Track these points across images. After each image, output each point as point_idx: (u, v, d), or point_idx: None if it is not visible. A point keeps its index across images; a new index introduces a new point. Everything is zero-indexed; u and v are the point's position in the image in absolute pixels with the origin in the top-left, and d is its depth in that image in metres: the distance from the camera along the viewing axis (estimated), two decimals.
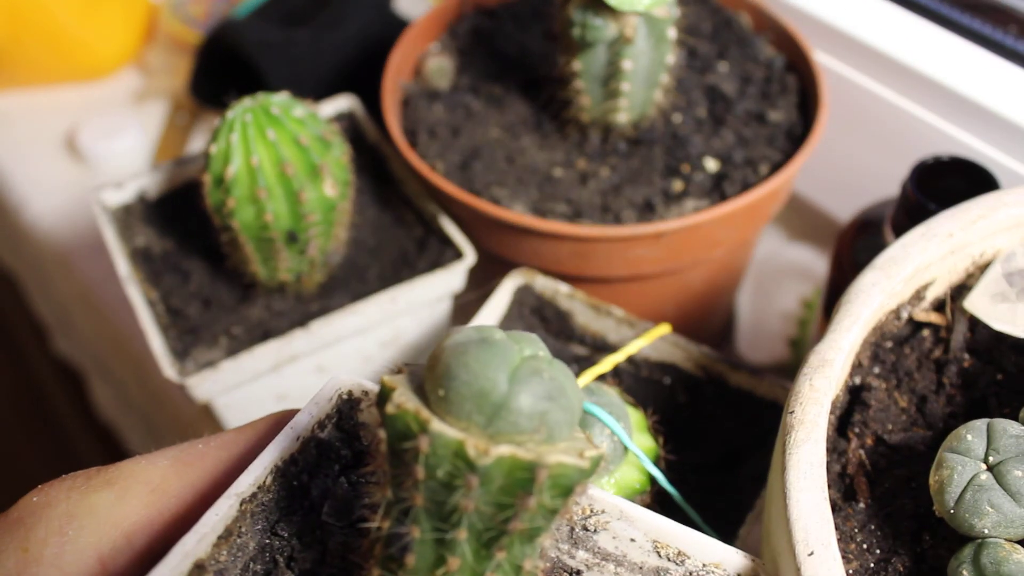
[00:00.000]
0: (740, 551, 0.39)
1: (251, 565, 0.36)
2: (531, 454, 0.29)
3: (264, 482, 0.36)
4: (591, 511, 0.39)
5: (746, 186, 0.68)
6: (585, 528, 0.39)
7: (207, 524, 0.34)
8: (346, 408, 0.39)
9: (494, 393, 0.29)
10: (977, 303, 0.50)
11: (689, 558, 0.39)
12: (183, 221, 0.72)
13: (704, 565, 0.39)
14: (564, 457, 0.29)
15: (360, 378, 0.40)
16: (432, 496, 0.30)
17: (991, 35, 0.77)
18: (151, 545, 0.35)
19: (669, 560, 0.39)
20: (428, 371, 0.30)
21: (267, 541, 0.36)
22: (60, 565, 0.33)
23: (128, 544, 0.34)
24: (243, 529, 0.35)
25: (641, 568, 0.39)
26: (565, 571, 0.39)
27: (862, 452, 0.47)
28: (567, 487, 0.30)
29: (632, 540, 0.39)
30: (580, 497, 0.31)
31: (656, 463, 0.55)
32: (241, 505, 0.35)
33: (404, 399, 0.29)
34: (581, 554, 0.39)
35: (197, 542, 0.33)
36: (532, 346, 0.31)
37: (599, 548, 0.39)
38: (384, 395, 0.30)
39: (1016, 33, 0.77)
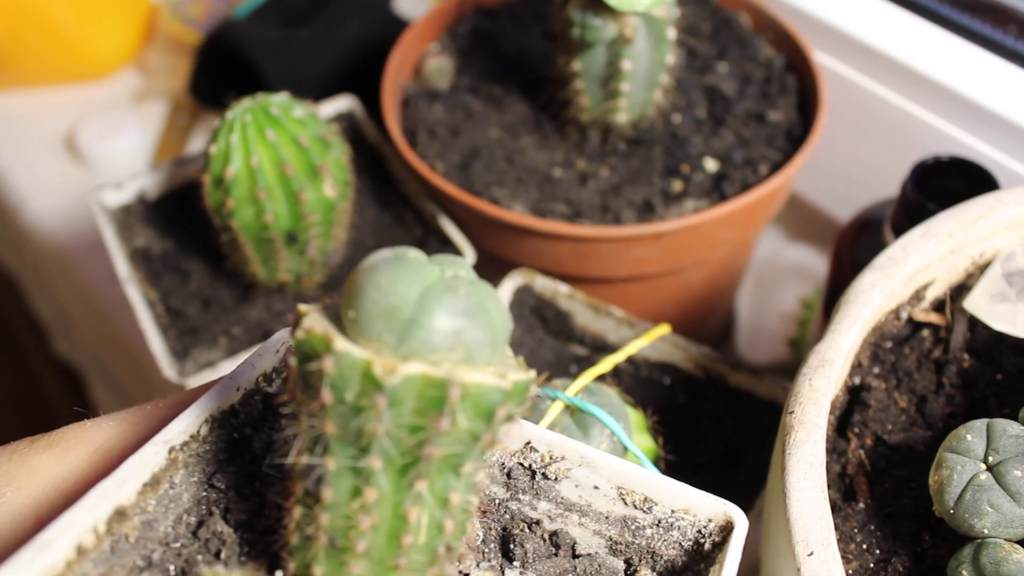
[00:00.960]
0: (711, 495, 0.37)
1: (184, 517, 0.34)
2: (443, 372, 0.27)
3: (198, 431, 0.34)
4: (551, 458, 0.38)
5: (746, 186, 0.68)
6: (545, 476, 0.38)
7: (129, 469, 0.32)
8: None
9: (404, 309, 0.27)
10: (977, 303, 0.50)
11: (657, 504, 0.37)
12: (183, 221, 0.72)
13: (673, 512, 0.37)
14: (481, 376, 0.27)
15: None
16: (343, 422, 0.28)
17: (991, 35, 0.77)
18: None
19: (636, 508, 0.37)
20: (343, 294, 0.28)
21: (203, 493, 0.35)
22: None
23: (67, 503, 0.33)
24: (176, 480, 0.34)
25: (607, 518, 0.37)
26: (525, 522, 0.38)
27: (862, 452, 0.47)
28: (487, 409, 0.28)
29: (596, 488, 0.37)
30: (508, 425, 0.29)
31: (656, 463, 0.55)
32: (171, 453, 0.33)
33: (313, 323, 0.28)
34: (543, 505, 0.38)
35: (117, 487, 0.32)
36: (454, 268, 0.29)
37: (562, 498, 0.38)
38: (298, 322, 0.29)
39: (1016, 33, 0.77)
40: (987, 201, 0.52)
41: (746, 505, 0.58)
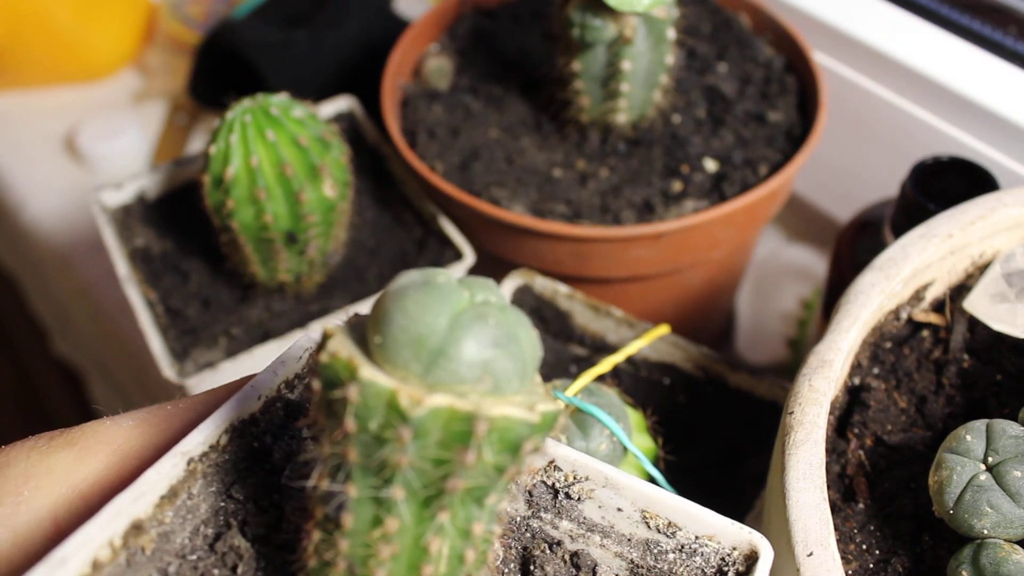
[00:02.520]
0: (736, 522, 0.36)
1: (202, 528, 0.34)
2: (470, 405, 0.26)
3: (218, 441, 0.34)
4: (575, 477, 0.37)
5: (745, 187, 0.68)
6: (568, 496, 0.37)
7: (147, 482, 0.32)
8: None
9: (432, 338, 0.26)
10: (976, 303, 0.50)
11: (680, 530, 0.36)
12: (182, 222, 0.72)
13: (697, 538, 0.36)
14: (509, 409, 0.26)
15: None
16: (366, 451, 0.27)
17: (991, 35, 0.77)
18: None
19: (659, 532, 0.36)
20: (370, 318, 0.28)
21: (221, 504, 0.34)
22: (12, 526, 0.32)
23: (85, 505, 0.33)
24: (194, 491, 0.33)
25: (629, 540, 0.37)
26: (546, 542, 0.37)
27: (861, 453, 0.47)
28: (514, 443, 0.27)
29: (619, 510, 0.37)
30: (536, 456, 0.28)
31: (655, 464, 0.55)
32: (189, 464, 0.33)
33: (339, 346, 0.27)
34: (565, 524, 0.37)
35: (134, 500, 0.31)
36: (485, 292, 0.28)
37: (584, 518, 0.37)
38: (323, 344, 0.28)
39: (1016, 33, 0.77)
40: (987, 201, 0.52)
41: (746, 505, 0.58)
